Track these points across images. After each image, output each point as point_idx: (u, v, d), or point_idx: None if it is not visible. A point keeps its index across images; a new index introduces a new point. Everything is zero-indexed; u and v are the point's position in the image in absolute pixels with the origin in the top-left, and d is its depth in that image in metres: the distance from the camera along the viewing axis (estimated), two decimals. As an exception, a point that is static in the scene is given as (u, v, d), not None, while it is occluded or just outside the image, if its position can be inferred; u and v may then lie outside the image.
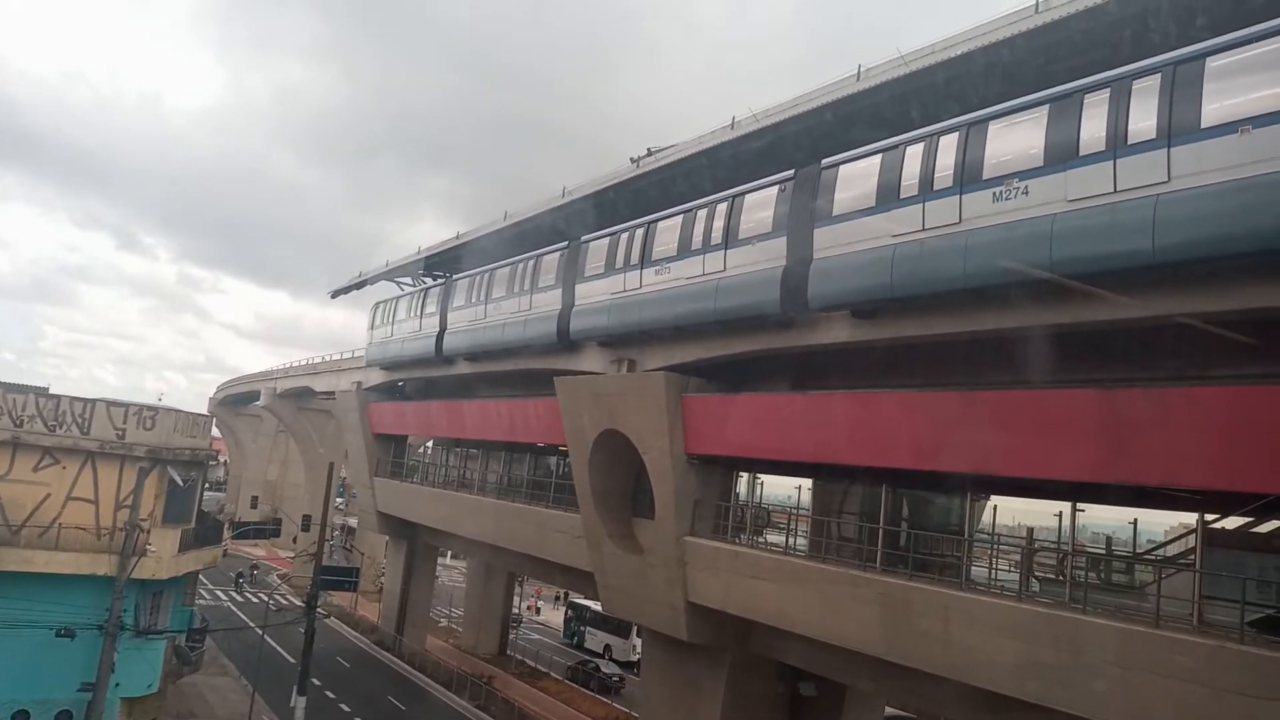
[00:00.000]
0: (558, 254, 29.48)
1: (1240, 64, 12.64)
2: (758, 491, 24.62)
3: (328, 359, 58.59)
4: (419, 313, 39.55)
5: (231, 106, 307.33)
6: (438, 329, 37.20)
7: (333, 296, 48.99)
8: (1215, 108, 12.77)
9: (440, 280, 39.30)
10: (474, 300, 34.74)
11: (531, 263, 30.96)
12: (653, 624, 25.93)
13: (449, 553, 55.58)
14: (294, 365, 66.96)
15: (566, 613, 55.38)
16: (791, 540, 22.97)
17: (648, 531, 25.60)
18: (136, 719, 23.37)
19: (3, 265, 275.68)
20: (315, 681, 32.12)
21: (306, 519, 56.54)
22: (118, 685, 21.62)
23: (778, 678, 26.00)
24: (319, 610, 35.03)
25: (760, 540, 23.54)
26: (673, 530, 24.03)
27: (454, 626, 53.24)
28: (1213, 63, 12.94)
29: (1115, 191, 13.74)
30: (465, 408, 38.34)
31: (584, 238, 27.93)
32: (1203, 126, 12.87)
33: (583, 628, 51.74)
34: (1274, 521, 14.52)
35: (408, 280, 43.19)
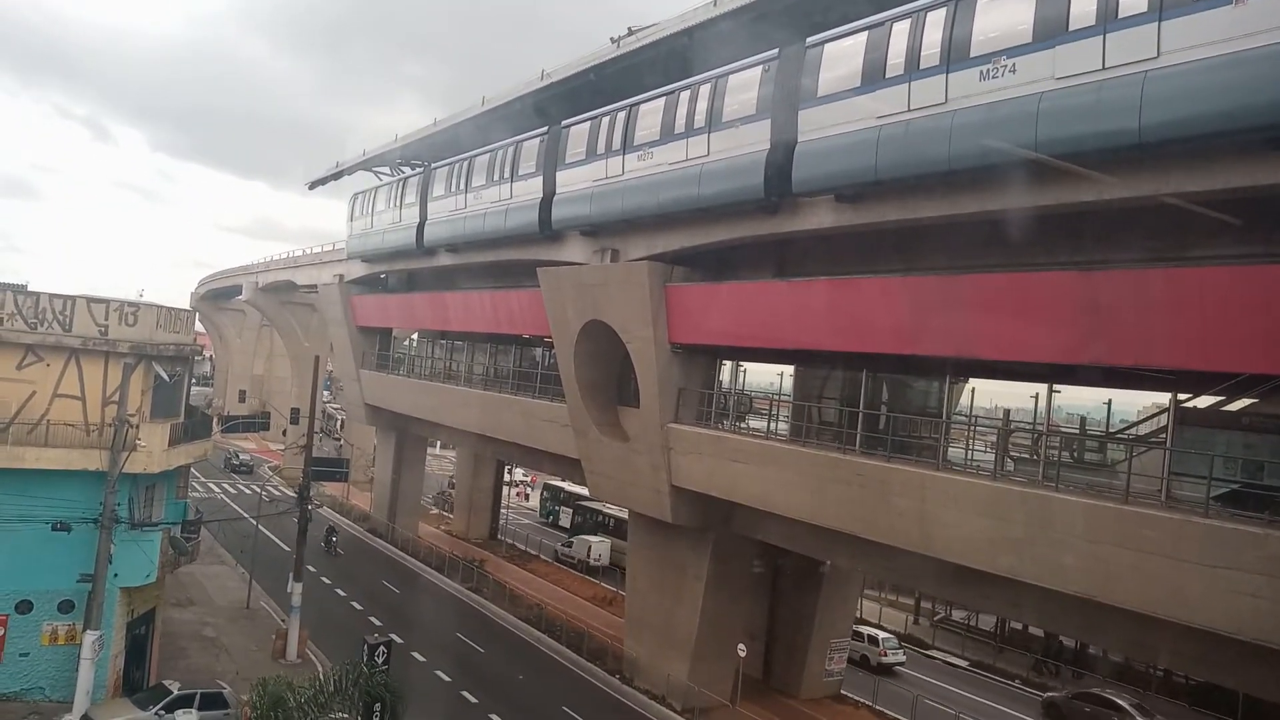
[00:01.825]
0: (538, 140, 28.84)
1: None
2: (740, 379, 24.82)
3: (309, 252, 57.95)
4: (398, 203, 38.90)
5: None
6: (418, 220, 36.67)
7: (310, 188, 48.02)
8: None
9: (419, 170, 38.54)
10: (454, 189, 34.16)
11: (511, 149, 30.33)
12: (638, 507, 26.51)
13: (438, 442, 56.20)
14: (275, 259, 66.21)
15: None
16: (773, 425, 23.29)
17: (633, 419, 25.90)
18: (136, 606, 23.91)
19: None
20: (310, 568, 32.87)
21: (295, 412, 56.84)
22: (116, 576, 22.02)
23: (759, 557, 26.87)
24: (312, 500, 35.65)
25: (743, 426, 23.86)
26: (657, 418, 24.32)
27: (444, 514, 54.30)
28: None
29: (1104, 69, 13.41)
30: (449, 300, 38.17)
31: (564, 122, 27.30)
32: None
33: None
34: (1244, 400, 14.74)
35: (386, 170, 42.32)
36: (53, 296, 22.60)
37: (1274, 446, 14.43)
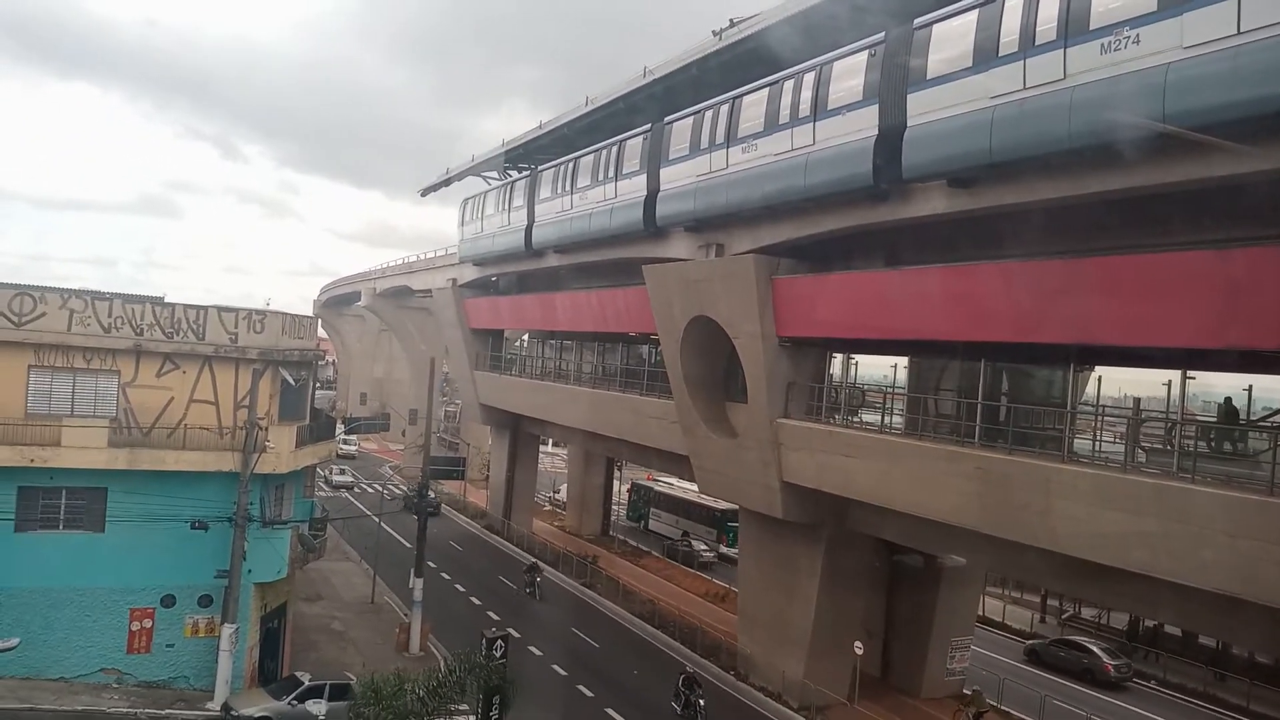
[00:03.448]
0: (641, 138, 28.92)
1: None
2: (852, 372, 24.30)
3: (423, 257, 59.65)
4: (507, 207, 39.63)
5: (324, 13, 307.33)
6: (526, 222, 37.26)
7: (423, 195, 49.46)
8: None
9: (526, 173, 39.14)
10: (560, 191, 34.57)
11: (615, 149, 30.49)
12: (749, 504, 26.28)
13: (550, 440, 57.00)
14: (391, 265, 68.44)
15: (630, 495, 54.79)
16: (887, 419, 22.72)
17: (741, 415, 25.68)
18: (269, 601, 25.03)
19: (112, 181, 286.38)
20: (430, 564, 33.78)
21: (413, 413, 58.62)
22: (250, 571, 23.10)
23: (874, 553, 26.26)
24: (433, 497, 36.66)
25: (855, 420, 23.36)
26: (766, 413, 24.05)
27: (558, 510, 55.03)
28: None
29: (1239, 33, 12.54)
30: (557, 300, 38.66)
31: (667, 119, 27.27)
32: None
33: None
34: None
35: (494, 175, 43.14)
36: (187, 307, 23.85)
37: None
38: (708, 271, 25.62)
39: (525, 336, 49.16)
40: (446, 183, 46.33)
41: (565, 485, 54.47)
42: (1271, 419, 15.67)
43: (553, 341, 42.79)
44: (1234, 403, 16.20)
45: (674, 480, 48.93)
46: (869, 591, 27.11)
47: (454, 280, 47.80)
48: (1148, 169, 14.00)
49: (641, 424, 31.93)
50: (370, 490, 56.08)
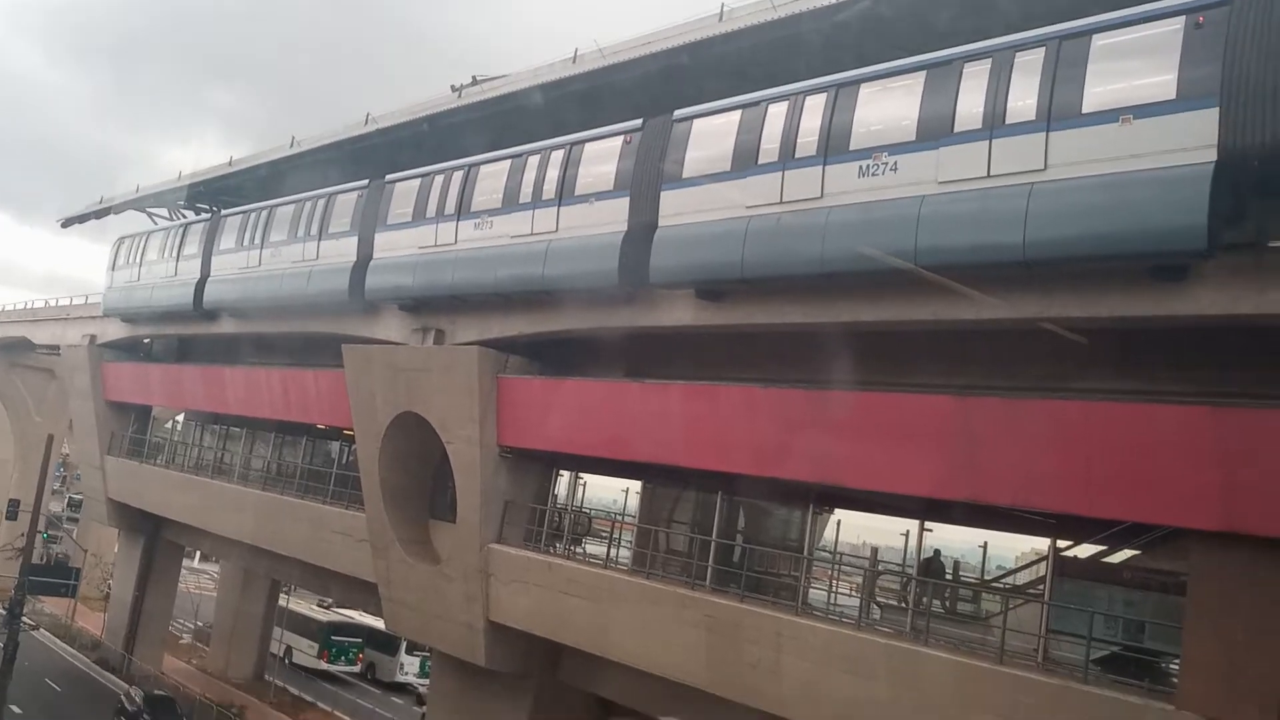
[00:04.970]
0: (355, 194, 28.92)
1: (1130, 44, 13.85)
2: (580, 494, 25.08)
3: (54, 304, 55.56)
4: (176, 253, 37.92)
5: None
6: (199, 275, 35.81)
7: (64, 225, 46.51)
8: (1098, 91, 13.92)
9: (206, 216, 37.86)
10: (247, 243, 33.62)
11: (321, 202, 30.22)
12: (445, 646, 26.11)
13: (197, 554, 53.87)
14: (8, 309, 63.08)
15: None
16: (614, 551, 23.57)
17: (446, 537, 25.70)
18: None
19: None
20: (15, 709, 30.62)
21: (14, 505, 53.49)
22: None
23: (589, 712, 26.69)
24: (25, 620, 33.37)
25: (578, 551, 24.04)
26: (477, 536, 24.22)
27: (200, 645, 51.74)
28: (1100, 40, 14.10)
29: (989, 175, 14.78)
30: (229, 375, 37.24)
31: (389, 177, 27.55)
32: (1084, 111, 14.02)
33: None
34: (1126, 551, 16.06)
35: (164, 214, 41.45)
36: None
37: (1156, 604, 15.72)
38: (423, 360, 25.79)
39: (180, 418, 46.69)
40: (100, 214, 43.84)
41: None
42: (1002, 580, 17.87)
43: (216, 428, 40.92)
44: (942, 556, 18.32)
45: (353, 612, 47.95)
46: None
47: (92, 337, 44.75)
48: (896, 304, 15.96)
49: (321, 540, 30.98)
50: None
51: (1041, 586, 16.46)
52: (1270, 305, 12.68)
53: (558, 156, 22.22)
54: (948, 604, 18.00)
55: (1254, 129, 12.15)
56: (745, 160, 17.90)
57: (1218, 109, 12.45)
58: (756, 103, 18.15)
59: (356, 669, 49.34)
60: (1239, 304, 12.71)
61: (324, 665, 48.07)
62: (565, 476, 25.15)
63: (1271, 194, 12.66)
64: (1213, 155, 12.44)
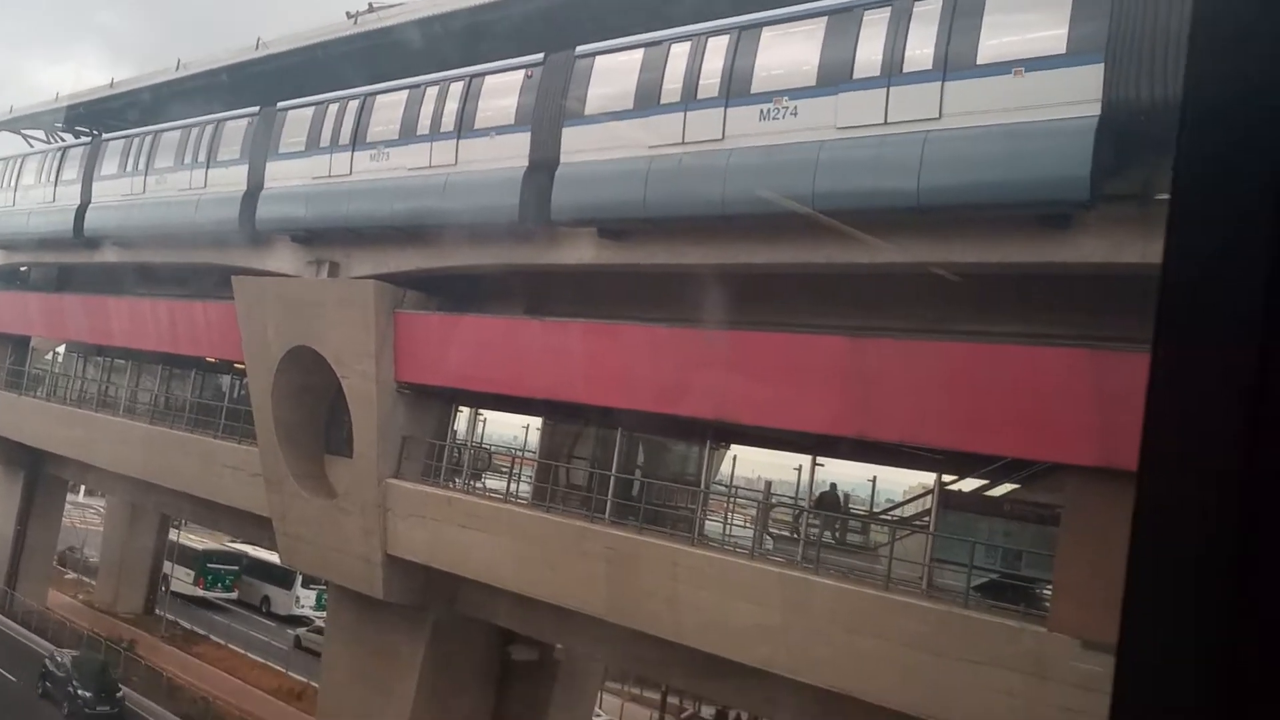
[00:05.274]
0: (245, 121, 28.07)
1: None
2: (480, 430, 25.13)
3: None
4: (54, 179, 36.41)
5: None
6: (79, 201, 34.47)
7: (-71, 145, 43.94)
8: (993, 43, 14.29)
9: (86, 139, 36.30)
10: (131, 169, 32.43)
11: (210, 129, 29.27)
12: (342, 579, 26.09)
13: (82, 488, 52.37)
14: None
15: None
16: (514, 486, 23.76)
17: (343, 471, 25.55)
18: None
19: None
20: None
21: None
22: None
23: (485, 642, 27.04)
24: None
25: (478, 486, 24.16)
26: (374, 471, 24.13)
27: (86, 580, 50.59)
28: None
29: (886, 123, 15.09)
30: (113, 306, 36.05)
31: (281, 105, 26.78)
32: (979, 62, 14.39)
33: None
34: (1006, 485, 16.83)
35: (40, 135, 39.64)
36: None
37: (1033, 535, 16.56)
38: (317, 293, 25.38)
39: (61, 349, 45.08)
40: (-32, 135, 41.64)
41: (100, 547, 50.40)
42: (890, 512, 18.60)
43: (100, 360, 39.67)
44: (838, 490, 19.01)
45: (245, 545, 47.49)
46: (479, 688, 27.78)
47: (-36, 265, 42.82)
48: (795, 247, 16.27)
49: (213, 474, 30.46)
50: None
51: (927, 518, 17.21)
52: (1156, 255, 13.24)
53: (457, 89, 21.89)
54: (838, 535, 18.65)
55: (1135, 85, 12.64)
56: (648, 100, 17.92)
57: (1103, 65, 12.91)
58: (659, 42, 18.12)
59: (234, 595, 50.05)
60: (1123, 252, 13.27)
61: (200, 592, 48.45)
62: (465, 412, 25.12)
63: (1159, 149, 13.20)
64: (1097, 110, 12.93)
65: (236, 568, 50.24)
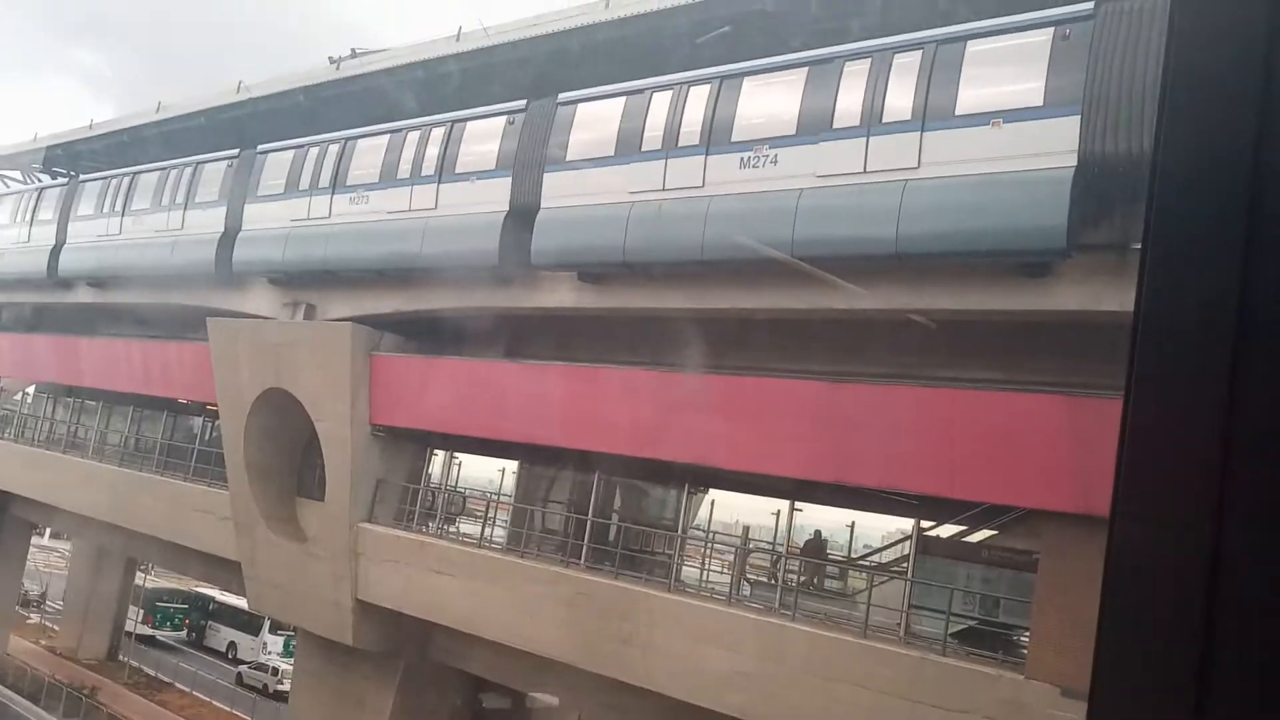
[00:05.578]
0: (225, 164, 28.02)
1: (1002, 52, 14.46)
2: (454, 474, 24.91)
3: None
4: (29, 218, 36.16)
5: None
6: (54, 242, 34.21)
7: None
8: (971, 95, 14.50)
9: (64, 180, 36.11)
10: (107, 210, 32.26)
11: (189, 171, 29.20)
12: (312, 626, 25.68)
13: (47, 530, 51.44)
14: None
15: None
16: (489, 531, 23.52)
17: (314, 515, 25.23)
18: None
19: None
20: None
21: None
22: None
23: (457, 689, 26.65)
24: None
25: (452, 531, 23.92)
26: (346, 515, 23.86)
27: (49, 626, 49.60)
28: (974, 46, 14.68)
29: (865, 172, 15.26)
30: (85, 347, 35.71)
31: (261, 148, 26.76)
32: (957, 113, 14.59)
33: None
34: (984, 531, 16.83)
35: (17, 176, 39.41)
36: None
37: (1010, 582, 16.55)
38: (293, 335, 25.22)
39: (30, 389, 44.51)
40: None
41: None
42: (868, 558, 18.55)
43: (70, 400, 39.17)
44: (823, 535, 18.98)
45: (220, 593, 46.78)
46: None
47: (-66, 304, 42.29)
48: (774, 293, 16.34)
49: (181, 517, 30.00)
50: None
51: (905, 564, 17.17)
52: (1132, 303, 13.41)
53: (439, 134, 21.97)
54: (816, 581, 18.56)
55: (1111, 137, 12.84)
56: (629, 146, 18.04)
57: (1079, 117, 13.10)
58: (641, 90, 18.29)
59: (183, 635, 49.65)
60: (1101, 301, 13.39)
61: (149, 630, 47.60)
62: (440, 455, 24.92)
63: (1134, 199, 13.37)
64: (1073, 160, 13.11)
65: (185, 606, 49.84)
